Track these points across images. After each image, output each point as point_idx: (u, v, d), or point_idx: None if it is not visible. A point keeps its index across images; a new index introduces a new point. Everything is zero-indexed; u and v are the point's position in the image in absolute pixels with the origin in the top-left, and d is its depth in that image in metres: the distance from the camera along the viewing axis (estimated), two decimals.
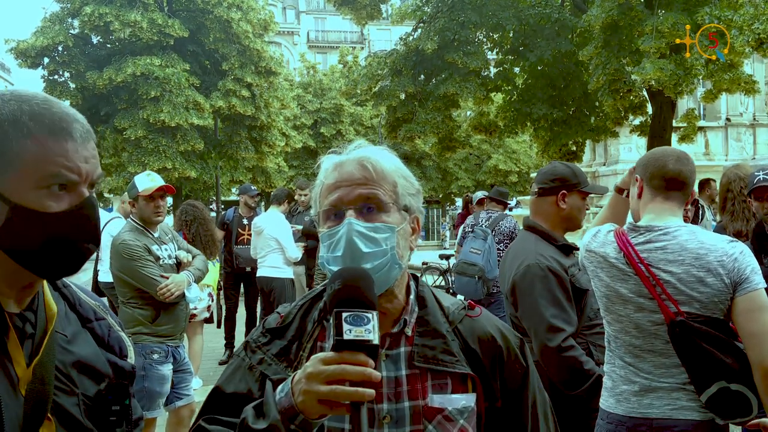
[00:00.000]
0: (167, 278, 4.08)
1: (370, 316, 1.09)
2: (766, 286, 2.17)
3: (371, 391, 1.06)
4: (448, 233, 34.11)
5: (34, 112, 1.01)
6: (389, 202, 1.30)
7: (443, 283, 13.28)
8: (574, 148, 14.06)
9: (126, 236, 4.07)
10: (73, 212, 1.03)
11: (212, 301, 6.15)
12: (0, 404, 1.00)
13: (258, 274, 7.34)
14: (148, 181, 4.16)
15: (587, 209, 3.08)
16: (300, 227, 7.77)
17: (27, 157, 0.99)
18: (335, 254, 1.26)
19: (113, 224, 7.16)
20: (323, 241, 1.30)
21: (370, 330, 1.07)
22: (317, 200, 1.35)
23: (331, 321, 1.10)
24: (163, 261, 4.16)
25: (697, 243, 2.23)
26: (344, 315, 1.08)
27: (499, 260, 6.32)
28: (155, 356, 4.01)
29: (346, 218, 1.26)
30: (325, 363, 1.08)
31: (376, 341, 1.08)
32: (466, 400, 1.31)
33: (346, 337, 1.06)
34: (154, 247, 4.14)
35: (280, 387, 1.17)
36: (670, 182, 2.36)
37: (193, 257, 4.47)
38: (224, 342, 8.21)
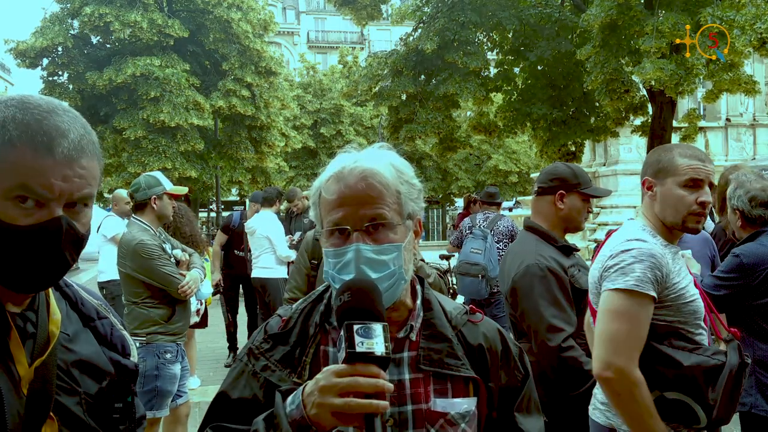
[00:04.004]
0: (185, 276, 4.11)
1: (380, 327, 1.10)
2: (629, 288, 2.05)
3: (385, 403, 1.07)
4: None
5: (24, 122, 1.00)
6: (395, 219, 1.28)
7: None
8: (573, 149, 14.06)
9: (142, 236, 4.05)
10: (36, 229, 1.01)
11: (201, 305, 6.11)
12: (3, 404, 1.00)
13: (253, 275, 7.32)
14: (170, 182, 4.25)
15: (589, 211, 3.07)
16: (297, 236, 7.72)
17: (1, 166, 0.99)
18: (344, 277, 1.25)
19: (107, 223, 7.12)
20: (328, 257, 1.28)
21: (380, 342, 1.08)
22: (317, 208, 1.33)
23: (342, 333, 1.10)
24: (171, 260, 4.18)
25: (616, 237, 2.25)
26: (355, 327, 1.08)
27: (499, 260, 6.34)
28: (168, 355, 4.02)
29: (354, 242, 1.25)
30: (337, 375, 1.08)
31: (387, 353, 1.09)
32: (467, 404, 1.32)
33: (358, 349, 1.07)
34: (166, 246, 4.17)
35: (290, 399, 1.16)
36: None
37: (189, 255, 4.48)
38: (227, 345, 8.19)
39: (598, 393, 2.35)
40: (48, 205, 1.02)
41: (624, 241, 2.16)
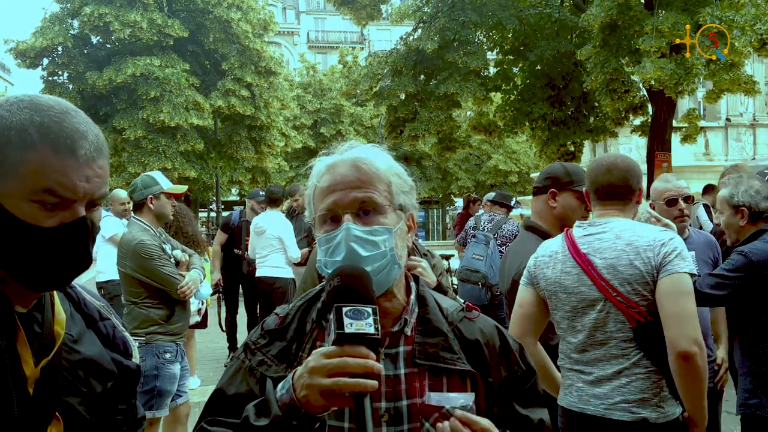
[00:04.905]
0: (184, 277, 4.12)
1: (369, 310, 1.11)
2: (691, 272, 2.28)
3: (374, 382, 1.07)
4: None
5: (43, 125, 1.01)
6: (385, 203, 1.30)
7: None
8: (572, 149, 14.06)
9: (142, 236, 4.05)
10: (62, 230, 1.02)
11: (202, 304, 6.11)
12: (13, 403, 1.01)
13: (259, 274, 7.26)
14: (168, 181, 4.24)
15: (588, 210, 3.06)
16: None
17: (24, 168, 0.99)
18: (334, 259, 1.26)
19: (105, 223, 7.11)
20: (320, 244, 1.30)
21: (370, 324, 1.09)
22: (311, 203, 1.35)
23: (331, 316, 1.11)
24: (171, 260, 4.18)
25: (631, 232, 2.39)
26: (345, 309, 1.09)
27: None
28: (167, 355, 4.02)
29: (344, 223, 1.26)
30: (327, 356, 1.09)
31: (376, 334, 1.09)
32: (464, 399, 1.32)
33: (347, 330, 1.08)
34: (166, 247, 4.17)
35: (280, 384, 1.17)
36: (601, 194, 2.54)
37: (189, 256, 4.48)
38: (227, 345, 8.19)
39: (612, 392, 2.33)
40: (71, 207, 1.03)
41: (660, 231, 2.37)
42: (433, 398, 1.30)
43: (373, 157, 1.33)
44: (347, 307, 1.10)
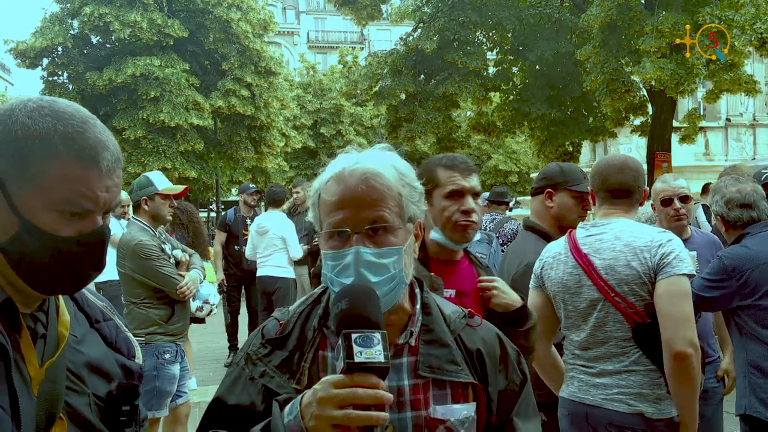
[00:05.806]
0: (183, 277, 4.13)
1: (379, 336, 1.07)
2: (689, 273, 2.30)
3: (385, 415, 1.05)
4: None
5: (67, 135, 1.00)
6: (396, 222, 1.25)
7: None
8: (571, 149, 14.08)
9: (141, 237, 4.06)
10: (81, 239, 1.03)
11: (215, 297, 6.13)
12: (18, 404, 1.00)
13: (261, 274, 7.25)
14: (166, 180, 4.22)
15: (586, 209, 3.07)
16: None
17: (48, 178, 0.99)
18: (342, 281, 1.23)
19: None
20: (327, 259, 1.26)
21: (380, 351, 1.06)
22: (316, 211, 1.30)
23: (339, 342, 1.08)
24: (171, 260, 4.18)
25: (629, 233, 2.42)
26: (354, 336, 1.06)
27: None
28: (167, 356, 4.03)
29: (354, 245, 1.22)
30: (336, 387, 1.06)
31: (386, 362, 1.06)
32: (467, 410, 1.31)
33: (357, 359, 1.05)
34: (166, 247, 4.17)
35: (287, 409, 1.14)
36: (613, 193, 2.56)
37: (189, 256, 4.48)
38: (227, 345, 8.17)
39: (611, 384, 2.37)
40: (90, 216, 1.04)
41: (658, 233, 2.40)
42: (438, 411, 1.29)
43: (383, 169, 1.26)
44: (356, 333, 1.06)
